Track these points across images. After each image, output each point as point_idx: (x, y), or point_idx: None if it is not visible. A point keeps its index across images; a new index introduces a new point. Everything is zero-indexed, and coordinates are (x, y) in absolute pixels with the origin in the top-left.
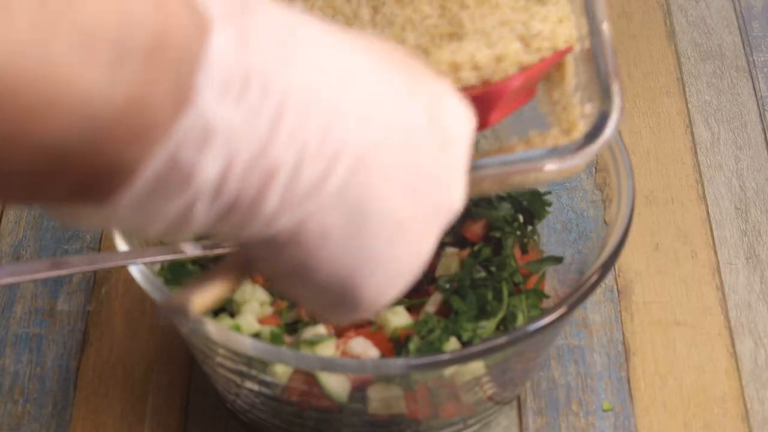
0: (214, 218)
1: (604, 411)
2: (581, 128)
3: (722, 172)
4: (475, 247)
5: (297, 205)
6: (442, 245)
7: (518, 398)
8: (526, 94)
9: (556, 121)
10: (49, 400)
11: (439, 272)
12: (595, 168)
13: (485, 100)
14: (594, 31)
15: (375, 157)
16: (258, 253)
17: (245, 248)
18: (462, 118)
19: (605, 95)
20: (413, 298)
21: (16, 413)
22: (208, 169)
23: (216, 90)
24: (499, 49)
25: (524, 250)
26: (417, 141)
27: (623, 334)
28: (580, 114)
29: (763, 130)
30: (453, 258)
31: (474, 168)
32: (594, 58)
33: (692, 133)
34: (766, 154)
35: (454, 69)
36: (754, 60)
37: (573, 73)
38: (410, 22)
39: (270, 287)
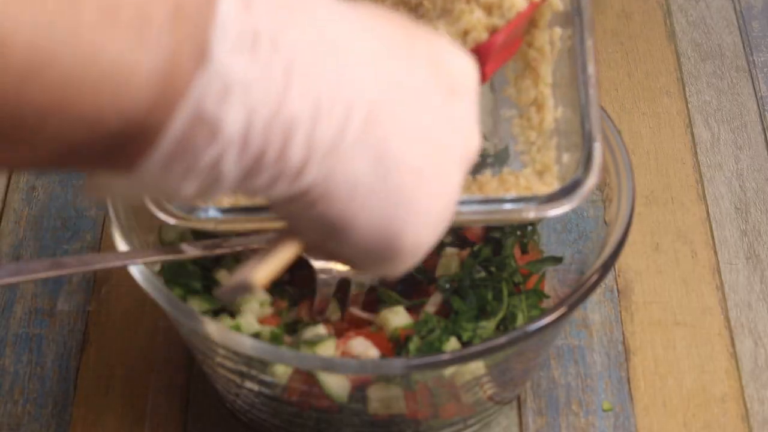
0: (243, 173)
1: (604, 411)
2: (555, 172)
3: (722, 172)
4: (475, 247)
5: (321, 158)
6: (442, 245)
7: (518, 398)
8: (515, 43)
9: (530, 162)
10: (49, 400)
11: (439, 272)
12: None
13: (474, 57)
14: (582, 82)
15: (386, 108)
16: (295, 214)
17: (282, 211)
18: (465, 65)
19: (586, 156)
20: (413, 298)
21: (16, 413)
22: (232, 120)
23: (229, 45)
24: (463, 24)
25: (524, 250)
26: (424, 91)
27: (623, 334)
28: (555, 159)
29: (763, 130)
30: (453, 258)
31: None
32: (580, 111)
33: (692, 133)
34: (766, 154)
35: None
36: (754, 60)
37: (552, 117)
38: None
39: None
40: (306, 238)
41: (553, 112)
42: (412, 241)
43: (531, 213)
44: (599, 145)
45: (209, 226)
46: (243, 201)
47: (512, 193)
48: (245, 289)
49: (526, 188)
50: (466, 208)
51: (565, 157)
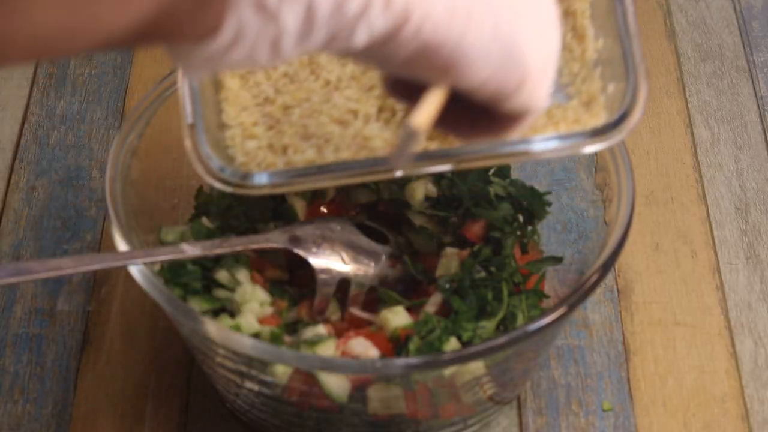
0: (333, 4)
1: (604, 411)
2: (601, 103)
3: (722, 172)
4: (475, 247)
5: None
6: (442, 245)
7: (518, 398)
8: None
9: (576, 93)
10: (49, 400)
11: (439, 272)
12: (595, 168)
13: None
14: (620, 13)
15: None
16: (408, 55)
17: (397, 57)
18: None
19: (633, 88)
20: (413, 298)
21: (16, 413)
22: None
23: None
24: None
25: (524, 250)
26: None
27: (623, 334)
28: (601, 88)
29: (763, 130)
30: (453, 258)
31: (518, 145)
32: (620, 41)
33: (692, 133)
34: (766, 154)
35: None
36: (754, 60)
37: (593, 48)
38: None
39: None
40: (431, 81)
41: (594, 43)
42: (530, 50)
43: (583, 147)
44: (644, 75)
45: (264, 191)
46: (297, 161)
47: (562, 130)
48: (411, 137)
49: (575, 121)
50: (517, 148)
51: (610, 87)
